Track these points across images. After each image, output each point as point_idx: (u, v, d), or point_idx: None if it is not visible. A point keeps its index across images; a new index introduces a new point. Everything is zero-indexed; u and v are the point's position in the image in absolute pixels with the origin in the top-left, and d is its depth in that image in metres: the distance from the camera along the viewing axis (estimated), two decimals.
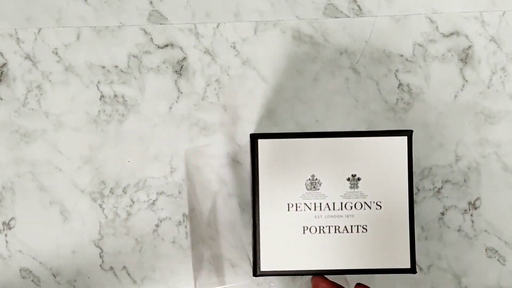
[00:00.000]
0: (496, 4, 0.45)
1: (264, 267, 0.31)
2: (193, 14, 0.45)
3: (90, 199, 0.45)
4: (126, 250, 0.45)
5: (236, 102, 0.45)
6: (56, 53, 0.45)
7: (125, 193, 0.45)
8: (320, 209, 0.31)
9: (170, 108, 0.45)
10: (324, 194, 0.31)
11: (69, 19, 0.45)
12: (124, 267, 0.45)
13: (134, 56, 0.45)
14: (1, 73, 0.45)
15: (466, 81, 0.45)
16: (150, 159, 0.45)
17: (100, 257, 0.45)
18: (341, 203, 0.31)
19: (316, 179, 0.31)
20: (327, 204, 0.31)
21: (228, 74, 0.45)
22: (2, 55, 0.45)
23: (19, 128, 0.45)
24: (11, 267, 0.45)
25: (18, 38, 0.45)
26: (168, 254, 0.45)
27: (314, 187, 0.31)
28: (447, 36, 0.46)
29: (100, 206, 0.45)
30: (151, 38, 0.45)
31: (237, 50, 0.45)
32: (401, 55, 0.45)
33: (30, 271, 0.45)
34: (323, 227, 0.31)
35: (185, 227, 0.45)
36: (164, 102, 0.45)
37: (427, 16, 0.45)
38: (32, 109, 0.45)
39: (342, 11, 0.45)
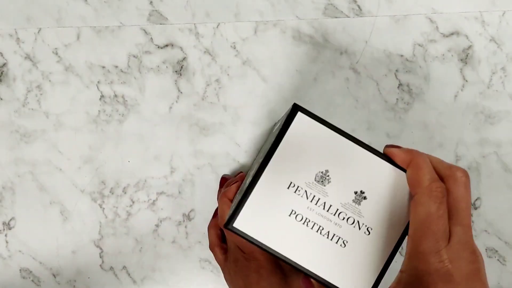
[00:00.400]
0: (496, 4, 0.45)
1: (238, 224, 0.30)
2: (193, 14, 0.45)
3: (90, 199, 0.45)
4: (126, 250, 0.45)
5: (236, 102, 0.45)
6: (56, 53, 0.45)
7: (125, 193, 0.45)
8: (316, 204, 0.30)
9: (170, 108, 0.45)
10: (326, 193, 0.30)
11: (69, 19, 0.45)
12: (124, 267, 0.45)
13: (134, 56, 0.45)
14: (1, 73, 0.45)
15: (466, 81, 0.45)
16: (150, 159, 0.45)
17: (100, 257, 0.45)
18: (337, 209, 0.30)
19: (328, 176, 0.30)
20: (324, 202, 0.30)
21: (228, 74, 0.45)
22: (2, 55, 0.45)
23: (19, 128, 0.45)
24: (11, 267, 0.45)
25: (18, 38, 0.45)
26: (168, 254, 0.45)
27: (322, 181, 0.30)
28: (447, 36, 0.46)
29: (100, 206, 0.45)
30: (151, 38, 0.45)
31: (237, 50, 0.45)
32: (401, 55, 0.45)
33: (30, 271, 0.45)
34: (309, 221, 0.30)
35: (185, 227, 0.45)
36: (164, 102, 0.45)
37: (427, 16, 0.45)
38: (32, 109, 0.45)
39: (342, 11, 0.45)
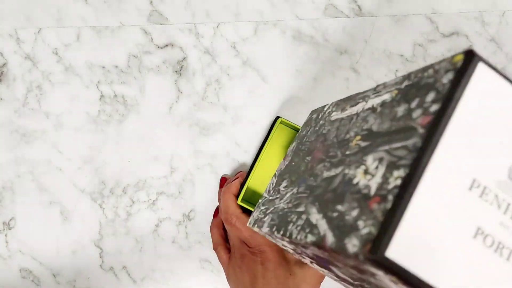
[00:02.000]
0: (496, 4, 0.45)
1: (391, 252, 0.16)
2: (193, 14, 0.45)
3: (90, 199, 0.45)
4: (126, 250, 0.45)
5: (236, 102, 0.45)
6: (56, 53, 0.45)
7: (125, 193, 0.45)
8: None
9: (170, 108, 0.45)
10: None
11: (69, 19, 0.45)
12: (124, 267, 0.45)
13: (134, 56, 0.45)
14: (1, 73, 0.45)
15: None
16: (150, 159, 0.45)
17: (100, 257, 0.45)
18: None
19: None
20: None
21: (228, 74, 0.45)
22: (2, 55, 0.45)
23: (19, 128, 0.45)
24: (11, 267, 0.45)
25: (18, 38, 0.45)
26: (168, 254, 0.45)
27: None
28: (447, 36, 0.46)
29: (100, 206, 0.45)
30: (151, 38, 0.45)
31: (237, 50, 0.45)
32: (401, 55, 0.45)
33: (30, 271, 0.45)
34: (503, 247, 0.18)
35: (185, 227, 0.45)
36: (164, 102, 0.45)
37: (427, 16, 0.45)
38: (32, 109, 0.45)
39: (342, 11, 0.45)
